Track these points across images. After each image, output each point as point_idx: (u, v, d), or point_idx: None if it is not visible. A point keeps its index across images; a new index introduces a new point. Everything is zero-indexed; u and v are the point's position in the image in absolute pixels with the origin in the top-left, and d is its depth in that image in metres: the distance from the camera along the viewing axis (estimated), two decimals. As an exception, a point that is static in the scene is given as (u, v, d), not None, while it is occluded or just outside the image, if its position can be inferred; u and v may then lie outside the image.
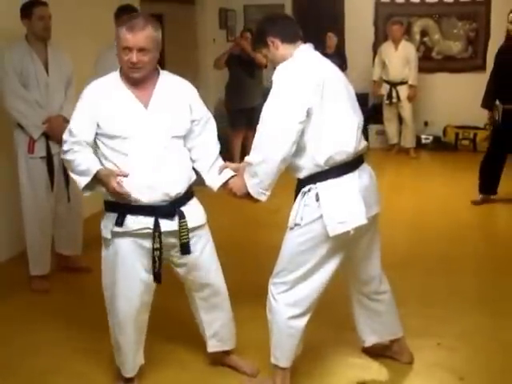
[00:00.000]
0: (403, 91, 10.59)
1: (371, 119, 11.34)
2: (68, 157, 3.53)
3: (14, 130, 5.35)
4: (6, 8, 5.71)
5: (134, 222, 3.51)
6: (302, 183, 3.50)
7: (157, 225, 3.51)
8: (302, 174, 3.48)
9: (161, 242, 3.53)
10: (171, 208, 3.55)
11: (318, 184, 3.42)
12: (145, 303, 3.71)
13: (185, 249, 3.62)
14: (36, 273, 5.43)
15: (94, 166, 3.46)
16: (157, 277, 3.61)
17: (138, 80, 3.50)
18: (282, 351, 3.68)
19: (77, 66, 5.66)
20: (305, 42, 3.65)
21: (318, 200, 3.41)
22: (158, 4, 9.40)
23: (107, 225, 3.58)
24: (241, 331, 4.11)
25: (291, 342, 3.65)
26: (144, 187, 3.45)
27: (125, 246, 3.55)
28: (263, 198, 3.50)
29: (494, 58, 7.89)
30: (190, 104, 3.66)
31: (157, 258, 3.55)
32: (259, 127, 3.41)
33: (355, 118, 3.53)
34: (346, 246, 3.55)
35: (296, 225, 3.48)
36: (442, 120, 11.26)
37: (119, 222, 3.51)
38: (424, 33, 11.52)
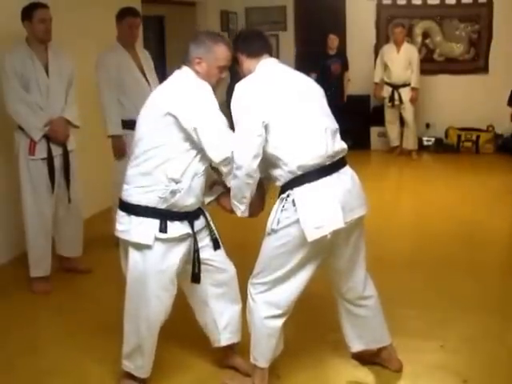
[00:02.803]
0: (405, 93, 10.57)
1: (373, 121, 11.34)
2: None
3: (15, 131, 5.35)
4: (7, 10, 5.69)
5: (175, 228, 3.58)
6: (281, 190, 3.53)
7: (193, 227, 3.63)
8: (281, 182, 3.52)
9: (198, 244, 3.66)
10: (199, 209, 3.70)
11: (295, 189, 3.43)
12: (171, 305, 3.76)
13: (217, 244, 3.78)
14: (37, 274, 5.42)
15: None
16: (197, 277, 3.71)
17: None
18: (260, 351, 3.70)
19: (77, 67, 5.66)
20: (271, 56, 3.76)
21: (294, 205, 3.42)
22: (159, 6, 9.42)
23: (147, 231, 3.55)
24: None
25: (269, 342, 3.68)
26: (198, 196, 3.62)
27: (163, 250, 3.57)
28: (238, 213, 3.60)
29: None
30: None
31: (196, 261, 3.67)
32: None
33: (323, 122, 3.53)
34: (325, 249, 3.55)
35: (272, 230, 3.50)
36: (444, 122, 11.24)
37: (163, 229, 3.55)
38: (426, 35, 11.50)
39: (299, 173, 3.42)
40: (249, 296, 3.68)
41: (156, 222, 3.54)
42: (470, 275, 5.52)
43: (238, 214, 3.60)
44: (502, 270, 5.68)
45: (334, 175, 3.48)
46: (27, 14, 5.26)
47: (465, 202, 7.75)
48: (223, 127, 3.50)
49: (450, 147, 11.17)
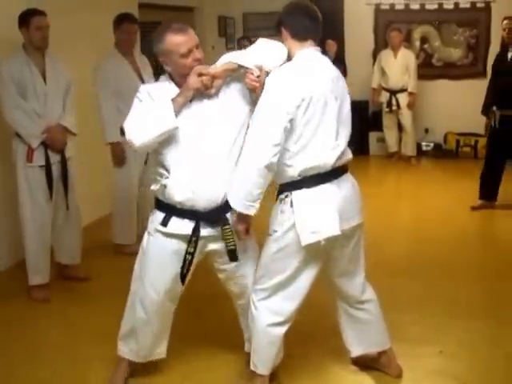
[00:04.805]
0: (403, 99, 10.56)
1: (371, 126, 11.33)
2: None
3: (13, 139, 5.34)
4: (5, 15, 5.68)
5: (177, 225, 3.56)
6: (280, 189, 3.50)
7: (197, 229, 3.54)
8: (280, 180, 3.50)
9: (195, 247, 3.57)
10: (216, 214, 3.55)
11: (294, 192, 3.42)
12: (172, 295, 3.75)
13: (232, 255, 3.62)
14: (35, 282, 5.41)
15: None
16: (183, 279, 3.66)
17: None
18: (261, 358, 3.70)
19: (75, 74, 5.65)
20: (317, 43, 3.57)
21: (292, 207, 3.41)
22: (156, 12, 9.40)
23: (154, 221, 3.65)
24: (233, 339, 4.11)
25: (271, 350, 3.67)
26: (190, 192, 3.48)
27: (163, 244, 3.62)
28: (252, 212, 3.41)
29: (492, 66, 7.97)
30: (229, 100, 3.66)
31: (187, 262, 3.60)
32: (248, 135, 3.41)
33: (340, 134, 3.47)
34: (323, 255, 3.54)
35: (274, 231, 3.50)
36: (442, 127, 11.23)
37: (165, 223, 3.57)
38: (424, 40, 11.49)
39: (298, 178, 3.41)
40: (251, 303, 3.67)
41: (161, 215, 3.60)
42: (469, 280, 5.52)
43: (251, 213, 3.41)
44: (500, 274, 5.66)
45: (335, 182, 3.47)
46: (24, 20, 5.24)
47: (463, 208, 7.73)
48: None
49: (448, 152, 11.16)
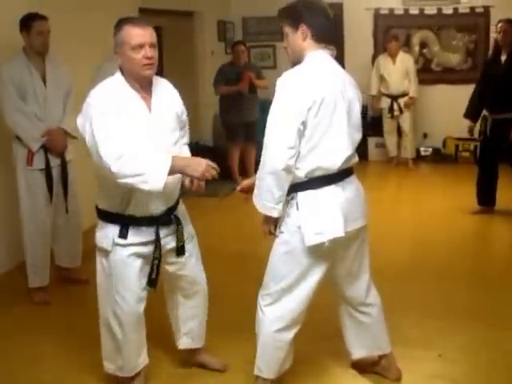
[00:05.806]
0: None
1: (370, 132, 11.32)
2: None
3: (13, 142, 5.35)
4: (6, 18, 5.68)
5: (136, 233, 3.54)
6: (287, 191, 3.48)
7: (158, 234, 3.55)
8: None
9: (160, 251, 3.57)
10: (169, 216, 3.61)
11: (299, 193, 3.42)
12: (142, 303, 3.73)
13: (181, 251, 3.68)
14: (35, 285, 5.42)
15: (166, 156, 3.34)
16: (153, 283, 3.65)
17: (148, 79, 3.49)
18: (267, 363, 3.69)
19: (75, 77, 5.65)
20: (331, 46, 3.55)
21: (298, 209, 3.42)
22: (156, 16, 9.40)
23: (108, 235, 3.56)
24: (231, 344, 4.15)
25: (277, 355, 3.67)
26: (151, 198, 3.46)
27: (126, 256, 3.56)
28: (275, 214, 3.44)
29: (481, 69, 7.93)
30: (180, 109, 3.71)
31: (155, 267, 3.59)
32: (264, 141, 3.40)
33: (349, 137, 3.46)
34: (328, 258, 3.55)
35: (281, 232, 3.51)
36: (441, 132, 11.22)
37: (123, 235, 3.52)
38: (423, 44, 11.50)
39: (305, 179, 3.41)
40: (258, 307, 3.67)
41: (115, 227, 3.55)
42: (468, 285, 5.52)
43: (275, 214, 3.44)
44: (500, 279, 5.67)
45: (340, 184, 3.47)
46: (25, 24, 5.25)
47: (462, 213, 7.74)
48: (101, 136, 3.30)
49: (447, 157, 11.16)
